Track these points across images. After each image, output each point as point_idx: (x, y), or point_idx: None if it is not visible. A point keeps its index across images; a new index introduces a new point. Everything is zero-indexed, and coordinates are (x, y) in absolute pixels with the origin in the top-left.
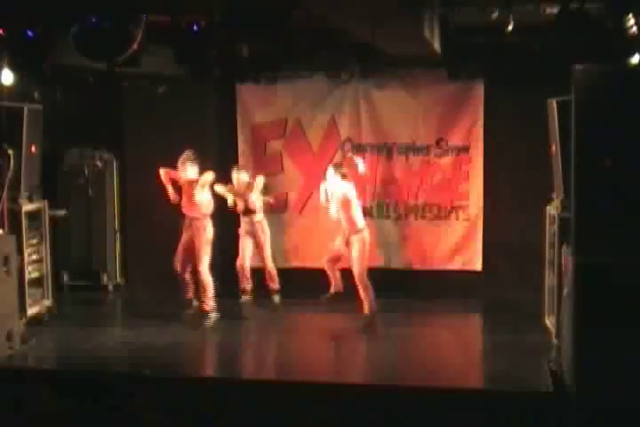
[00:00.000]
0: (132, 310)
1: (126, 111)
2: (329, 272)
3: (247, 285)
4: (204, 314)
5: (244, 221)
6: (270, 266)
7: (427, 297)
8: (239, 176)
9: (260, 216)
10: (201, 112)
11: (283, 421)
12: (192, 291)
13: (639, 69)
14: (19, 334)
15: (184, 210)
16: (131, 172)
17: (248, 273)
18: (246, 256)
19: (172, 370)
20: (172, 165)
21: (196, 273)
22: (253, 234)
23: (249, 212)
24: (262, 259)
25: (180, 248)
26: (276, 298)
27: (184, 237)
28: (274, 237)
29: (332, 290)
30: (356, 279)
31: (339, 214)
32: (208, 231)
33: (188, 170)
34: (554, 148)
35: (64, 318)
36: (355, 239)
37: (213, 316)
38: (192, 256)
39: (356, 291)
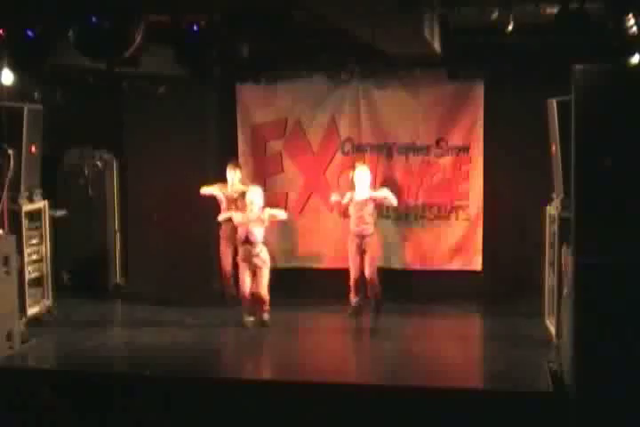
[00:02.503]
0: (132, 310)
1: (126, 111)
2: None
3: (251, 307)
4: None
5: (243, 248)
6: (264, 293)
7: (426, 297)
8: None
9: (260, 247)
10: (201, 112)
11: (283, 421)
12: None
13: (639, 69)
14: (19, 334)
15: None
16: (131, 172)
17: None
18: (247, 284)
19: (172, 370)
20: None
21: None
22: (249, 260)
23: (248, 242)
24: (257, 286)
25: None
26: (265, 316)
27: None
28: (273, 236)
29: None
30: (371, 277)
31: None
32: None
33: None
34: (554, 148)
35: (64, 318)
36: (373, 239)
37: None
38: None
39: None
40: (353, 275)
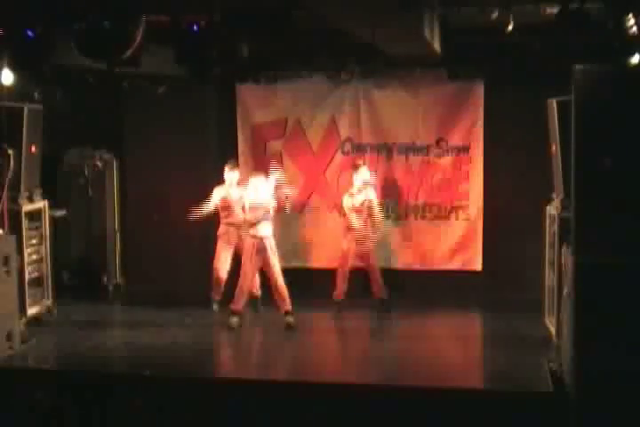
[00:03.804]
0: (131, 310)
1: (126, 111)
2: (341, 278)
3: (240, 306)
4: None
5: (248, 236)
6: (281, 284)
7: (427, 297)
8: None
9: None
10: (201, 112)
11: (283, 421)
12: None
13: (639, 69)
14: (19, 334)
15: None
16: (131, 172)
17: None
18: (253, 281)
19: (172, 370)
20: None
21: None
22: (261, 252)
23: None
24: (271, 277)
25: None
26: (290, 319)
27: None
28: (274, 236)
29: (341, 297)
30: (373, 267)
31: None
32: None
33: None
34: (554, 148)
35: (64, 318)
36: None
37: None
38: None
39: (370, 280)
40: (345, 244)
